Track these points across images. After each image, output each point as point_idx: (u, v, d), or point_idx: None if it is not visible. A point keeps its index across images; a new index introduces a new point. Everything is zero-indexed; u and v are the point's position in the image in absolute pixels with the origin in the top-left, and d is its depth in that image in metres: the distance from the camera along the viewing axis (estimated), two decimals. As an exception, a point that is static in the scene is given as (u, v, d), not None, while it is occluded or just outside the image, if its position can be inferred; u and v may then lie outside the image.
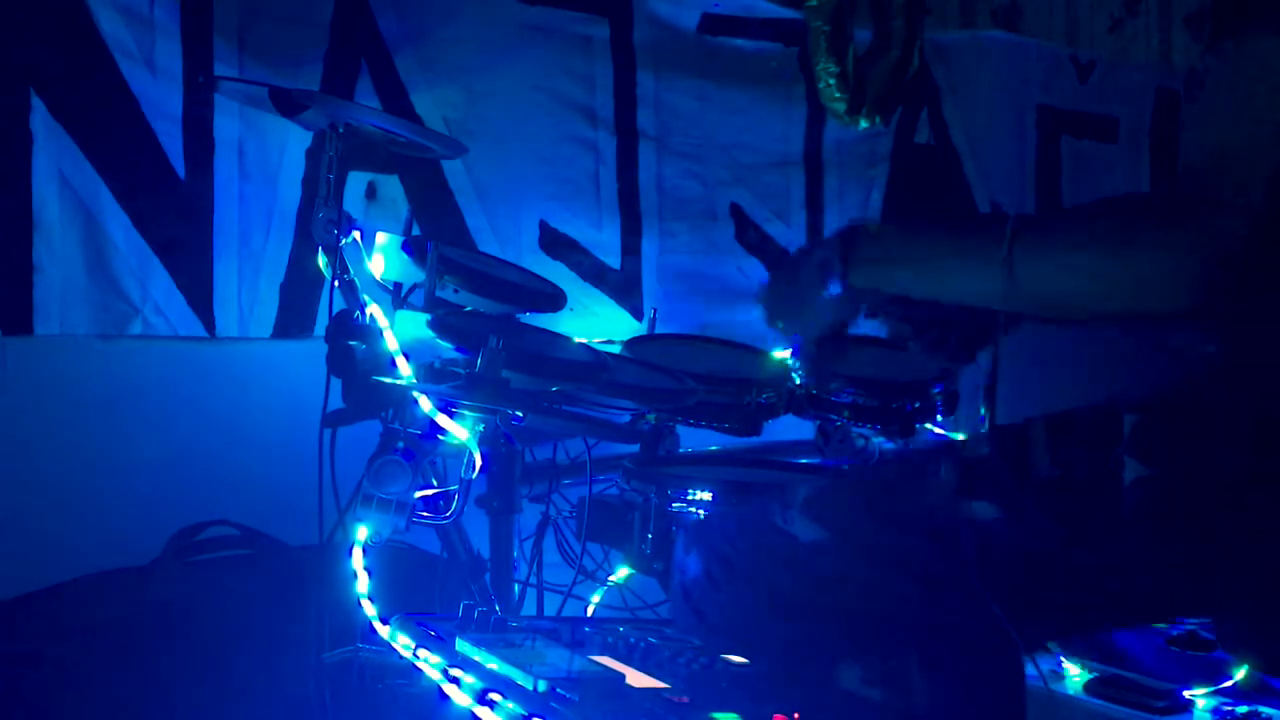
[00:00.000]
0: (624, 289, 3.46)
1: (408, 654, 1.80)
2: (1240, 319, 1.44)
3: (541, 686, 1.53)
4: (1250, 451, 1.44)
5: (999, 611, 1.51)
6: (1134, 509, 1.52)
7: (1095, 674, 1.77)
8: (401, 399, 2.26)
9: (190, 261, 2.81)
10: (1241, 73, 1.35)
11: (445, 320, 2.28)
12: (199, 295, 2.82)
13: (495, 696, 1.57)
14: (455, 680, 1.65)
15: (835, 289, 1.63)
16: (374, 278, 2.45)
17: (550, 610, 2.60)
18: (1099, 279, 1.41)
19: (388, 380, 2.24)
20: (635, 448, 2.64)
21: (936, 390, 2.72)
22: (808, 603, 1.67)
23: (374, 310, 2.34)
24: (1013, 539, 1.56)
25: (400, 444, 2.19)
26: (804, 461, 2.80)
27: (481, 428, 2.19)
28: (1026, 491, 1.59)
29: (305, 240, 2.86)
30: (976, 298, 1.57)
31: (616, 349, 2.80)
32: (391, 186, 3.08)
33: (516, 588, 2.58)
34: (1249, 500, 1.44)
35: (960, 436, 2.56)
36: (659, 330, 3.14)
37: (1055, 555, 1.57)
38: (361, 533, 2.15)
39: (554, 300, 2.70)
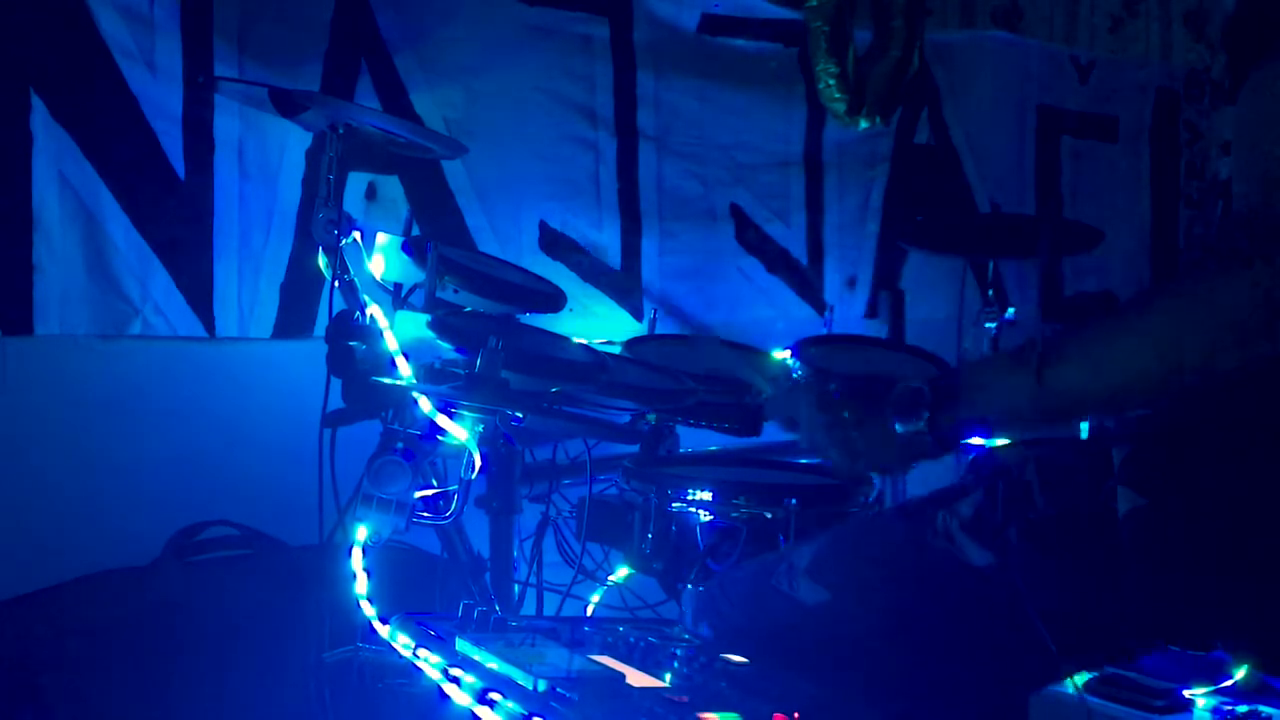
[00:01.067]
0: (624, 289, 3.46)
1: (408, 654, 1.80)
2: None
3: (541, 686, 1.53)
4: (1249, 468, 1.43)
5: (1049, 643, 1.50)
6: (1131, 540, 1.51)
7: (1095, 673, 1.77)
8: (401, 399, 2.26)
9: (190, 261, 2.81)
10: (1275, 101, 1.32)
11: (445, 320, 2.28)
12: (199, 295, 2.82)
13: (495, 696, 1.57)
14: (455, 680, 1.65)
15: (920, 427, 1.59)
16: (374, 278, 2.45)
17: (550, 610, 2.60)
18: (1162, 355, 1.38)
19: (388, 380, 2.24)
20: (635, 448, 2.65)
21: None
22: (818, 665, 1.67)
23: (374, 310, 2.34)
24: (1011, 583, 1.55)
25: (400, 444, 2.19)
26: (804, 462, 2.80)
27: (481, 428, 2.19)
28: (1022, 533, 1.57)
29: (305, 240, 2.87)
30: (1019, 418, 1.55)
31: (616, 349, 2.81)
32: (391, 186, 3.08)
33: (516, 588, 2.58)
34: (1250, 515, 1.43)
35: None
36: (659, 330, 3.14)
37: (1056, 596, 1.56)
38: (361, 533, 2.15)
39: (554, 300, 2.70)
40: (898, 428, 1.58)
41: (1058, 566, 1.58)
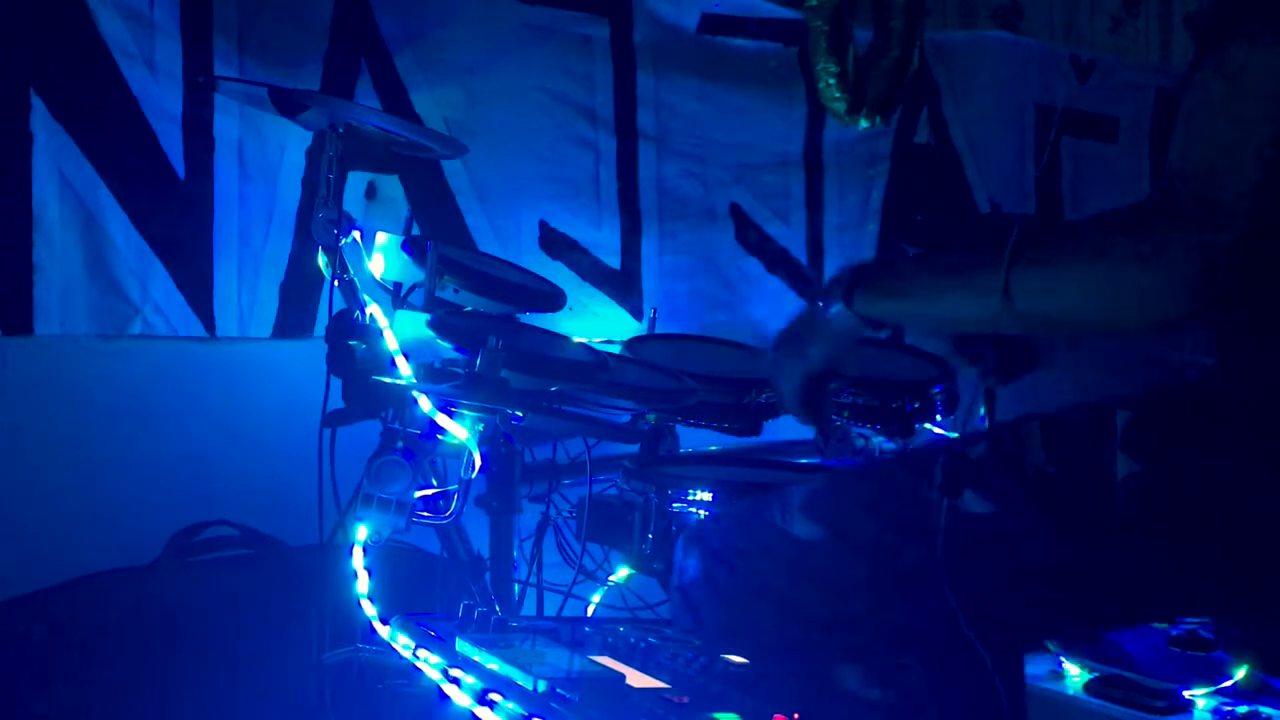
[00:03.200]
0: (624, 289, 3.46)
1: (408, 654, 1.80)
2: (1230, 326, 1.45)
3: (541, 686, 1.53)
4: (1243, 447, 1.44)
5: (965, 628, 1.52)
6: (1125, 505, 1.52)
7: (1095, 674, 1.77)
8: (401, 399, 2.26)
9: (190, 261, 2.81)
10: (1228, 83, 1.36)
11: (445, 320, 2.28)
12: (199, 295, 2.82)
13: (495, 696, 1.57)
14: (455, 680, 1.65)
15: (838, 314, 1.63)
16: (374, 278, 2.45)
17: (550, 610, 2.60)
18: (1091, 295, 1.43)
19: (388, 380, 2.24)
20: (635, 448, 2.65)
21: (936, 390, 2.72)
22: (803, 603, 1.67)
23: (374, 310, 2.34)
24: (1007, 537, 1.56)
25: (400, 444, 2.19)
26: (804, 461, 2.80)
27: (481, 428, 2.19)
28: (1021, 488, 1.58)
29: (305, 240, 2.87)
30: (973, 324, 1.58)
31: (616, 349, 2.81)
32: (391, 186, 3.08)
33: (516, 588, 2.58)
34: (1244, 496, 1.44)
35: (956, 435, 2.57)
36: (659, 330, 3.14)
37: (1050, 553, 1.57)
38: (361, 533, 2.15)
39: (554, 300, 2.70)
40: (829, 317, 1.64)
41: (1053, 524, 1.58)
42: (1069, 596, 1.61)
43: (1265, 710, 1.64)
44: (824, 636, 1.63)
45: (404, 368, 2.28)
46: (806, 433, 2.82)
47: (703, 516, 2.16)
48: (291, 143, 2.93)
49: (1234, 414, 1.47)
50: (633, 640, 1.74)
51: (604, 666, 1.63)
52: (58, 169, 2.65)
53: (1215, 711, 1.65)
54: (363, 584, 2.14)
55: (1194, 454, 1.49)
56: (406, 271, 2.46)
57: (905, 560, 1.63)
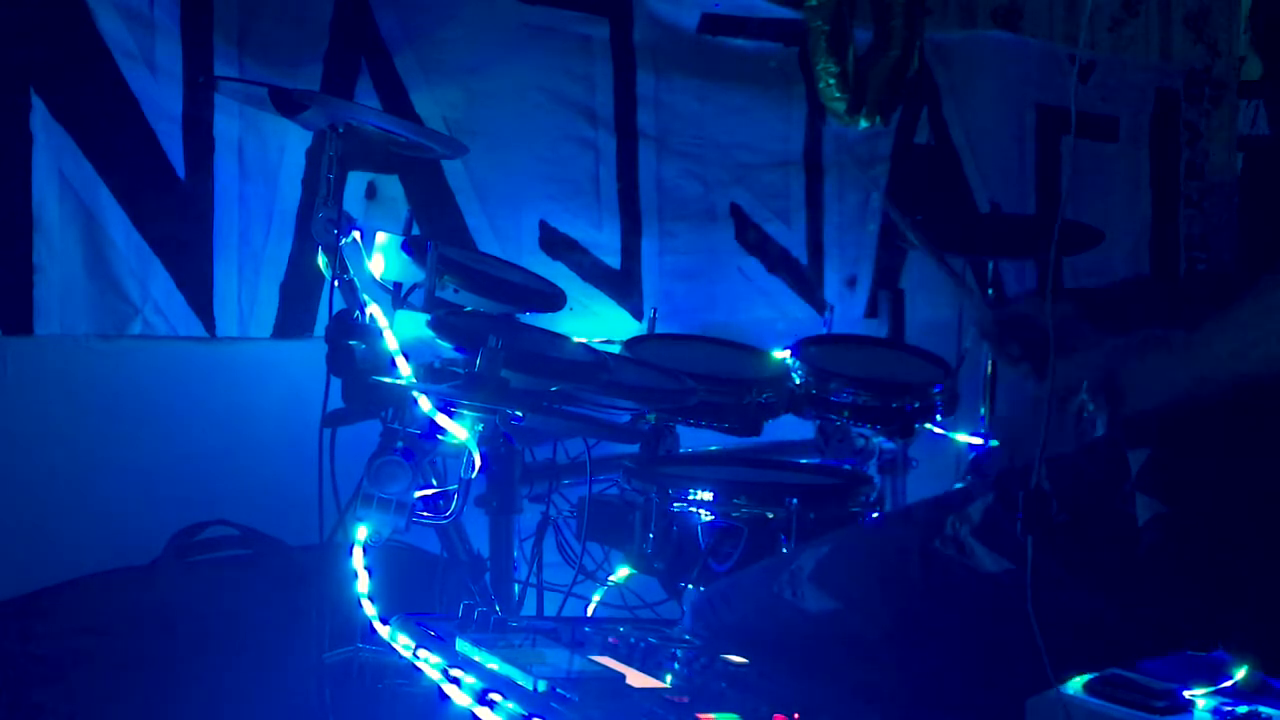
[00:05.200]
0: (624, 289, 3.46)
1: (408, 654, 1.80)
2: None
3: (541, 686, 1.53)
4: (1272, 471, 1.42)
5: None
6: (1152, 547, 1.48)
7: (1095, 673, 1.77)
8: (401, 399, 2.26)
9: (190, 261, 2.81)
10: None
11: (445, 320, 2.28)
12: (199, 295, 2.82)
13: (495, 696, 1.57)
14: (455, 680, 1.65)
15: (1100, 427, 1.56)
16: (374, 278, 2.45)
17: (551, 610, 2.60)
18: None
19: (388, 380, 2.24)
20: (635, 448, 2.65)
21: (936, 390, 2.72)
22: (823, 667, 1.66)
23: (374, 310, 2.35)
24: (1024, 589, 1.53)
25: (400, 444, 2.19)
26: (804, 461, 2.80)
27: (481, 428, 2.19)
28: (1036, 540, 1.55)
29: (305, 240, 2.86)
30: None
31: (616, 349, 2.81)
32: (391, 186, 3.08)
33: (516, 588, 2.58)
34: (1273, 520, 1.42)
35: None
36: (659, 330, 3.14)
37: (1069, 604, 1.55)
38: (361, 533, 2.15)
39: (554, 300, 2.70)
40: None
41: (1073, 573, 1.56)
42: (1090, 645, 1.59)
43: (1265, 710, 1.64)
44: (849, 702, 1.61)
45: (404, 368, 2.28)
46: (807, 432, 2.83)
47: (707, 588, 2.15)
48: (291, 143, 2.92)
49: (1256, 432, 1.45)
50: (633, 640, 1.74)
51: (604, 667, 1.63)
52: (58, 169, 2.64)
53: (1215, 711, 1.64)
54: (363, 584, 2.14)
55: (1224, 484, 1.46)
56: (406, 271, 2.46)
57: (922, 618, 1.62)
